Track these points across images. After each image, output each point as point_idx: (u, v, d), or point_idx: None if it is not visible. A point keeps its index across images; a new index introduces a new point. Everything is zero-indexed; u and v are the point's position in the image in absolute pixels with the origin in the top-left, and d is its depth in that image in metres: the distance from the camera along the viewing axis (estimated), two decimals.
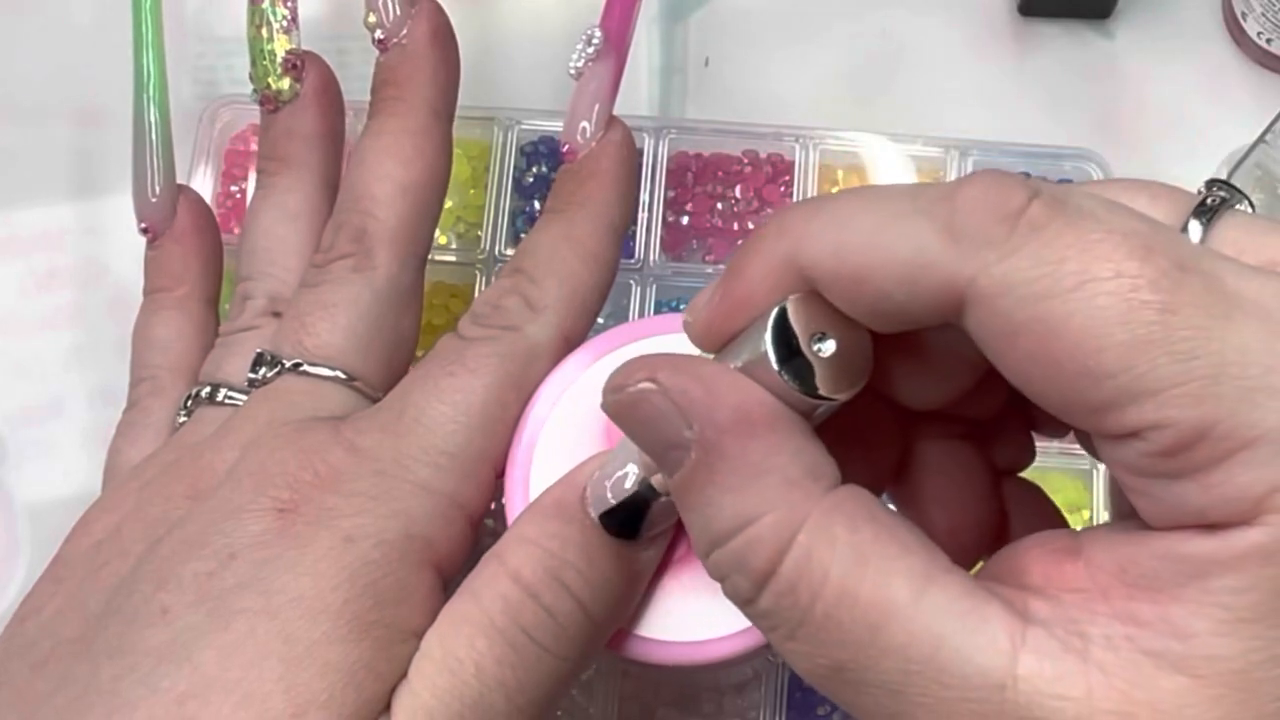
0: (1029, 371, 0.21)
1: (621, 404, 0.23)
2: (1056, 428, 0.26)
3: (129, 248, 0.48)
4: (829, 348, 0.23)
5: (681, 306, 0.46)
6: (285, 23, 0.37)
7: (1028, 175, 0.46)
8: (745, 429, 0.22)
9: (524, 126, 0.47)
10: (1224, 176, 0.47)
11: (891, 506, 0.26)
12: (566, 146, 0.35)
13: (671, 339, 0.30)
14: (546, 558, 0.28)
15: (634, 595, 0.29)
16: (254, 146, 0.47)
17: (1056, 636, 0.21)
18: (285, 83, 0.37)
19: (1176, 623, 0.20)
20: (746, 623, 0.28)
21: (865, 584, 0.21)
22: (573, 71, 0.35)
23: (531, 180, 0.47)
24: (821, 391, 0.23)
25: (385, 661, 0.27)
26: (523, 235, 0.46)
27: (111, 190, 0.48)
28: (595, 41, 0.34)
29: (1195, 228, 0.22)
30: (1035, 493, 0.28)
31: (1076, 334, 0.20)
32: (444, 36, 0.36)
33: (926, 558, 0.22)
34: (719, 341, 0.25)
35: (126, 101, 0.43)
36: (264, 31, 0.37)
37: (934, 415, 0.26)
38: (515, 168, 0.46)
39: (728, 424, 0.22)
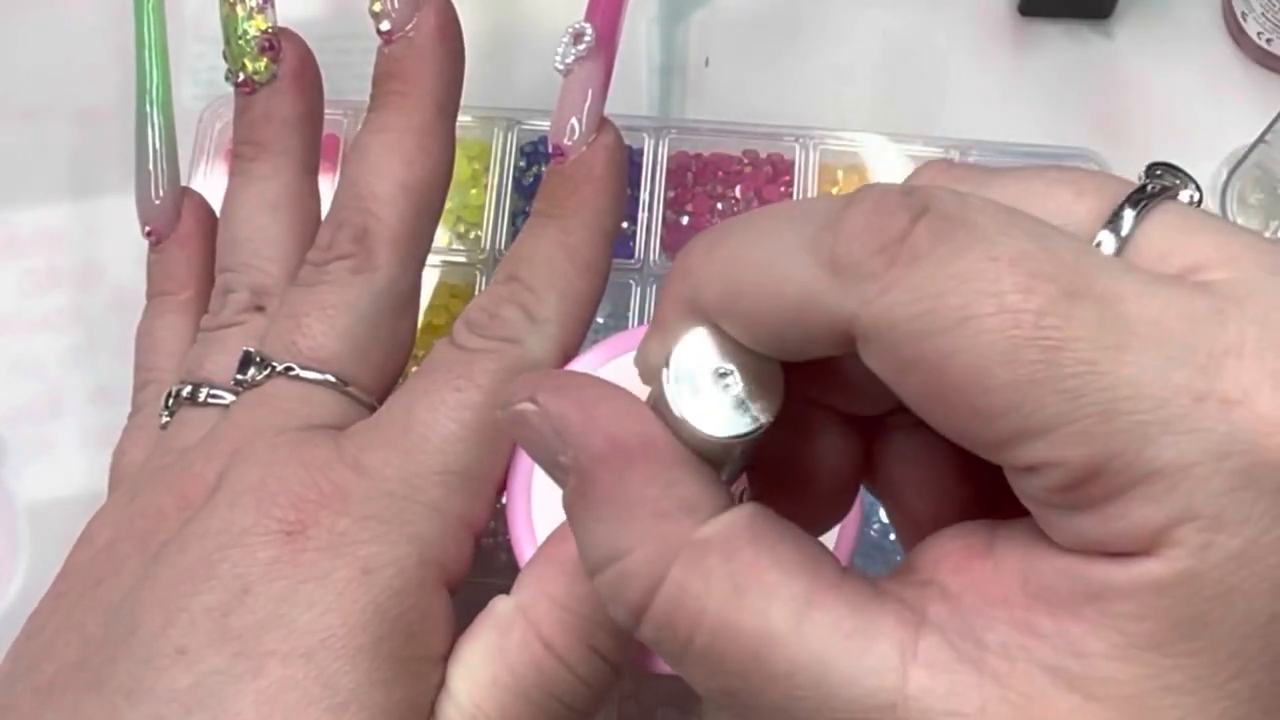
0: (922, 406, 0.20)
1: (506, 420, 0.23)
2: None
3: (128, 248, 0.48)
4: (734, 385, 0.22)
5: None
6: (260, 1, 0.36)
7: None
8: (620, 459, 0.21)
9: (524, 126, 0.47)
10: (1224, 177, 0.47)
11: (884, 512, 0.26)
12: (555, 146, 0.34)
13: None
14: (579, 624, 0.28)
15: None
16: None
17: (952, 644, 0.20)
18: (261, 64, 0.35)
19: (1074, 640, 0.20)
20: None
21: (744, 615, 0.20)
22: (560, 68, 0.34)
23: (531, 180, 0.47)
24: (718, 433, 0.22)
25: (422, 695, 0.27)
26: None
27: (111, 190, 0.48)
28: (587, 38, 0.34)
29: (1129, 218, 0.21)
30: None
31: (961, 374, 0.19)
32: (451, 31, 0.35)
33: (809, 578, 0.21)
34: (651, 379, 0.24)
35: (126, 101, 0.43)
36: (238, 10, 0.35)
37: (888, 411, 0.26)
38: (515, 168, 0.46)
39: (601, 453, 0.22)
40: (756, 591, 0.21)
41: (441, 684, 0.28)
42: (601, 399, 0.22)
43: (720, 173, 0.47)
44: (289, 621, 0.27)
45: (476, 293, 0.45)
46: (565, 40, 0.34)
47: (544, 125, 0.47)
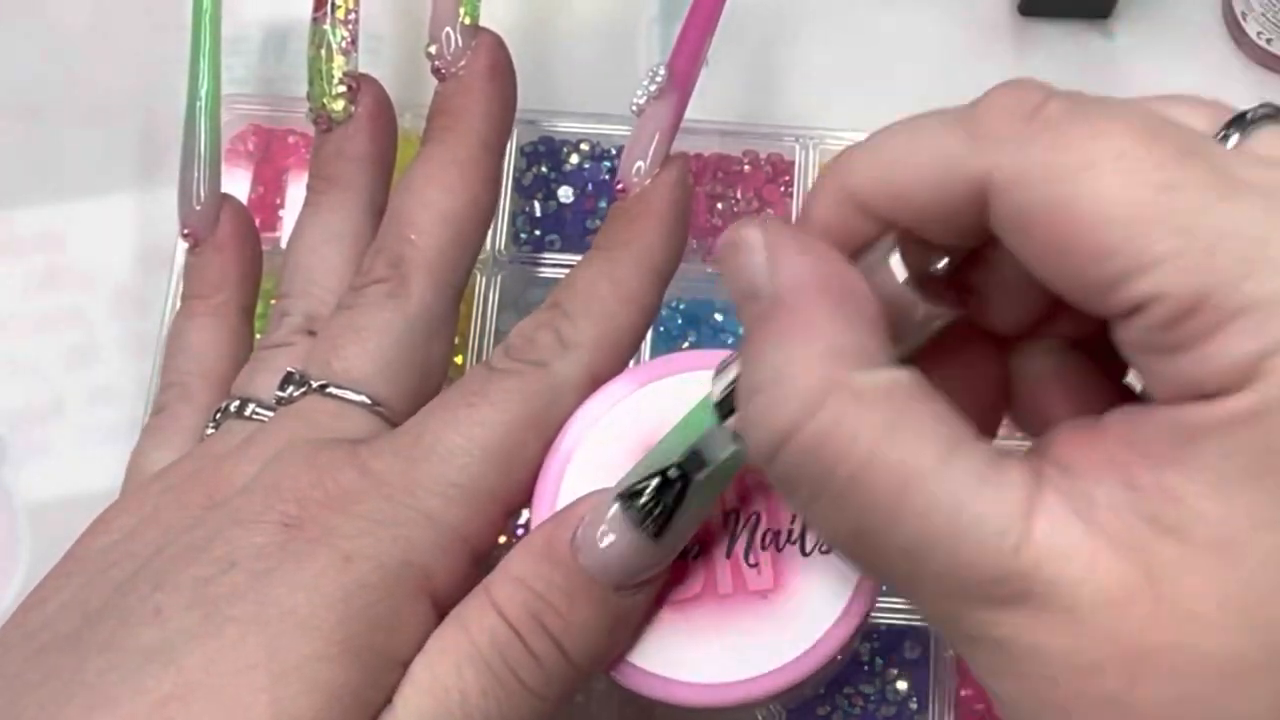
0: (1045, 257, 0.22)
1: (725, 246, 0.25)
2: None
3: (128, 248, 0.48)
4: (942, 265, 0.25)
5: (682, 306, 0.46)
6: (344, 44, 0.37)
7: None
8: (817, 293, 0.23)
9: (524, 127, 0.47)
10: None
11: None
12: (620, 183, 0.34)
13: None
14: (530, 599, 0.28)
15: (618, 639, 0.29)
16: (252, 146, 0.47)
17: (1066, 501, 0.22)
18: (339, 104, 0.37)
19: (1170, 488, 0.21)
20: (757, 670, 0.29)
21: (894, 450, 0.22)
22: (634, 109, 0.35)
23: (531, 180, 0.47)
24: (940, 302, 0.24)
25: (371, 688, 0.27)
26: (522, 235, 0.46)
27: (111, 190, 0.48)
28: (659, 78, 0.34)
29: (1233, 138, 0.23)
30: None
31: (1083, 214, 0.21)
32: (501, 70, 0.36)
33: (956, 428, 0.22)
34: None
35: (128, 102, 0.43)
36: (323, 52, 0.37)
37: (1030, 335, 0.27)
38: (515, 168, 0.46)
39: (802, 282, 0.23)
40: (908, 430, 0.22)
41: (398, 686, 0.28)
42: (817, 244, 0.24)
43: (720, 173, 0.47)
44: (260, 594, 0.27)
45: (476, 293, 0.45)
46: (644, 82, 0.34)
47: (544, 125, 0.47)
